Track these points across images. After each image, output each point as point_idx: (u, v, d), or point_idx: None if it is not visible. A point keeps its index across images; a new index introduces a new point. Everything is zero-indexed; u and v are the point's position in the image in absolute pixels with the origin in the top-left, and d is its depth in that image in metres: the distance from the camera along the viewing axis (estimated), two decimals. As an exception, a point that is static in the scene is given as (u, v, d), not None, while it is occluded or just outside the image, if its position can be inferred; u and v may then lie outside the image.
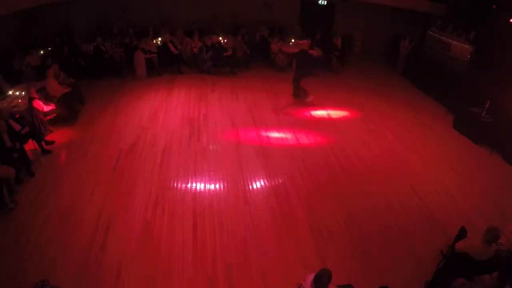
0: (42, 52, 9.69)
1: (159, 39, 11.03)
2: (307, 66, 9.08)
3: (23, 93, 7.42)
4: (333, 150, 7.16)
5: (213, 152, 6.94)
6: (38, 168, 6.23)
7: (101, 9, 11.46)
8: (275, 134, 7.66)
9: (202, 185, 5.98)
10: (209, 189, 5.89)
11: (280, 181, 6.17)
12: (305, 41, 10.56)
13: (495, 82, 7.76)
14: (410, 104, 9.62)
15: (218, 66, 10.86)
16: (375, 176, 6.46)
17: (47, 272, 4.22)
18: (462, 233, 4.42)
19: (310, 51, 9.72)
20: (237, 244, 4.82)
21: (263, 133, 7.66)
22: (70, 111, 7.87)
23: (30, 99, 6.82)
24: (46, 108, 7.12)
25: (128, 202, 5.51)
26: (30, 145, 6.63)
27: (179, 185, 5.96)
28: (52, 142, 6.99)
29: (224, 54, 10.78)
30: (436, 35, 11.09)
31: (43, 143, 6.76)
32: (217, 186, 5.98)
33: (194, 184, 5.98)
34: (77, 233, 4.89)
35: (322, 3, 12.94)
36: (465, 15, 10.44)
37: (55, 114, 7.47)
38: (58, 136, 7.25)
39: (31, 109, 6.83)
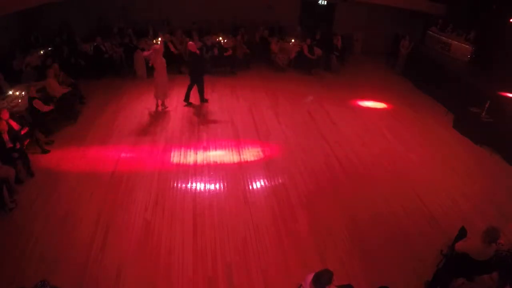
0: (42, 52, 9.67)
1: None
2: (198, 67, 8.55)
3: (23, 93, 7.41)
4: (333, 150, 7.16)
5: (213, 152, 6.95)
6: (38, 168, 6.21)
7: (101, 9, 11.46)
8: (275, 134, 7.67)
9: (202, 185, 5.98)
10: (209, 189, 5.90)
11: (280, 181, 6.17)
12: (191, 42, 8.80)
13: (495, 82, 7.77)
14: (410, 104, 9.61)
15: (218, 66, 10.85)
16: (375, 176, 6.46)
17: (47, 272, 4.21)
18: (462, 233, 4.42)
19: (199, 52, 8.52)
20: (237, 244, 4.82)
21: (263, 133, 7.66)
22: (70, 111, 7.86)
23: (30, 99, 6.82)
24: (46, 108, 7.11)
25: (128, 202, 5.51)
26: (30, 145, 6.63)
27: (179, 185, 5.96)
28: (52, 142, 6.98)
29: (224, 54, 10.77)
30: (436, 35, 11.10)
31: (43, 143, 6.75)
32: (217, 186, 5.98)
33: (194, 184, 5.98)
34: (77, 233, 4.89)
35: (322, 3, 12.93)
36: (465, 15, 10.45)
37: (55, 114, 7.46)
38: (58, 136, 7.24)
39: (31, 109, 6.82)
